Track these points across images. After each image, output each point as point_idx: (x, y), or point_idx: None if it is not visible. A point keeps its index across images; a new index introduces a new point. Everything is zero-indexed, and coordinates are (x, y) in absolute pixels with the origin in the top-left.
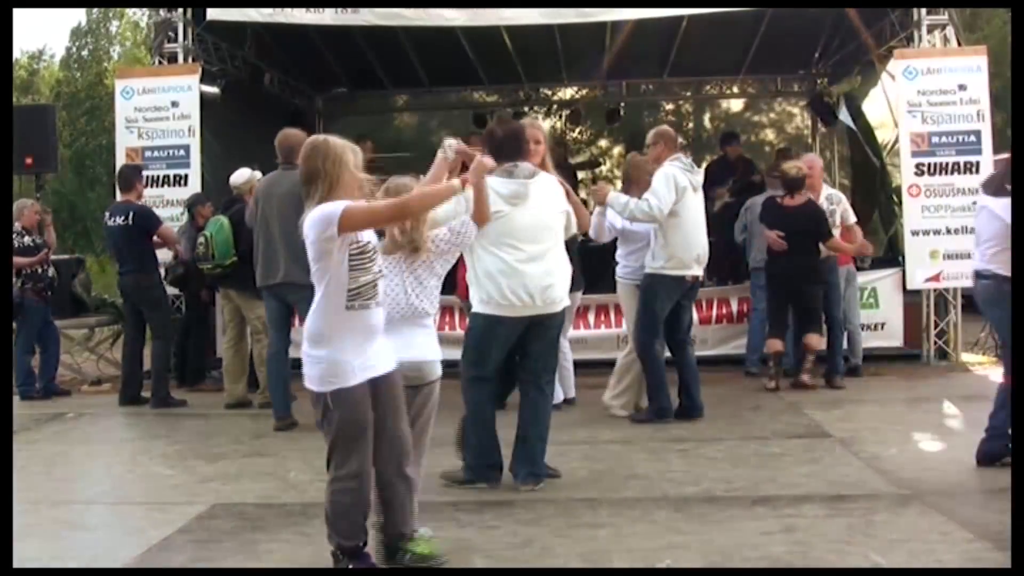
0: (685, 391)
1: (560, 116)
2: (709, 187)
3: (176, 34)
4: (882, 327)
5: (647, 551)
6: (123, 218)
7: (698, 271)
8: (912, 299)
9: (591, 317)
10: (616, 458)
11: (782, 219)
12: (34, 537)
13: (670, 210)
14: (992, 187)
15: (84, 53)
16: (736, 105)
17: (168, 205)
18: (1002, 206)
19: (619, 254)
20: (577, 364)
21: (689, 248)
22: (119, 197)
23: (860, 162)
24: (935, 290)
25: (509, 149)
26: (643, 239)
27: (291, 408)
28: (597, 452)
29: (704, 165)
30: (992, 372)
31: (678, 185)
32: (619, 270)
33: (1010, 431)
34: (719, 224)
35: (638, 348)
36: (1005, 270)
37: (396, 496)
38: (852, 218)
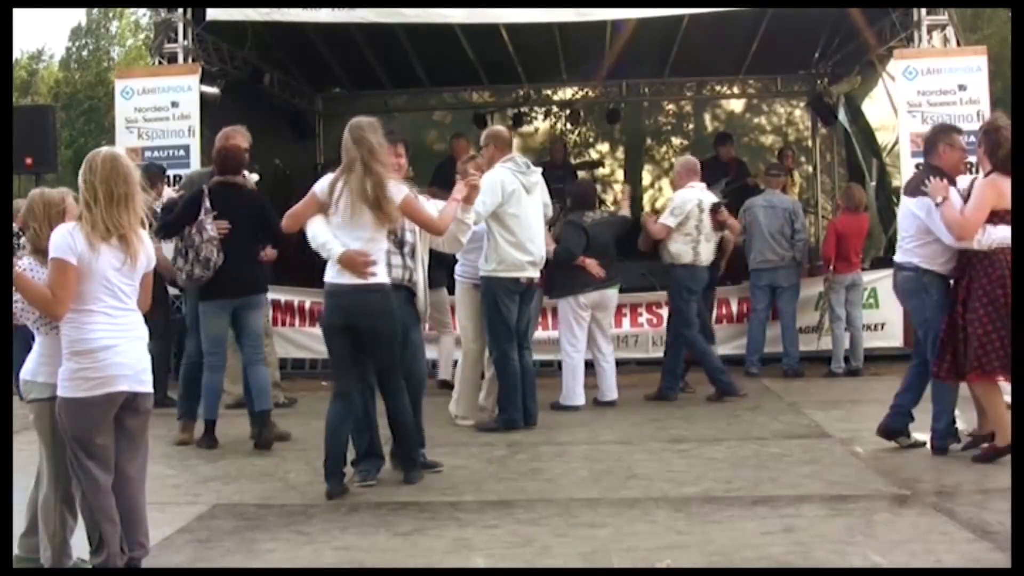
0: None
1: (560, 116)
2: None
3: (176, 34)
4: (882, 327)
5: (647, 551)
6: None
7: (532, 273)
8: None
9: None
10: (616, 458)
11: None
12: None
13: (498, 212)
14: (909, 189)
15: (84, 53)
16: (736, 105)
17: None
18: (916, 204)
19: (462, 252)
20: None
21: (520, 250)
22: None
23: (856, 164)
24: None
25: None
26: (480, 239)
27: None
28: (597, 452)
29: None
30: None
31: (504, 188)
32: (457, 268)
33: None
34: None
35: (494, 356)
36: (926, 263)
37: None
38: None
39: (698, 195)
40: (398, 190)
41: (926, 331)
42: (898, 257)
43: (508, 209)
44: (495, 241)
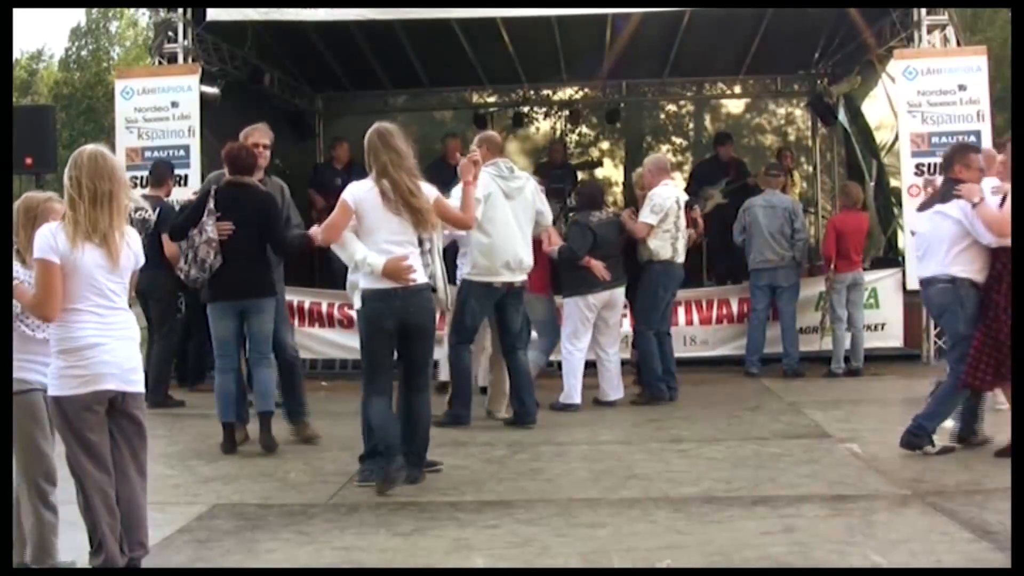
0: (516, 397)
1: (560, 116)
2: (699, 187)
3: (176, 34)
4: (882, 327)
5: (647, 551)
6: (148, 213)
7: (510, 277)
8: (912, 299)
9: None
10: (616, 458)
11: None
12: None
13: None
14: (939, 197)
15: (83, 53)
16: (736, 105)
17: None
18: (950, 208)
19: (459, 255)
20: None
21: (494, 255)
22: (148, 191)
23: (855, 164)
24: None
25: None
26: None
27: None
28: (597, 452)
29: (694, 165)
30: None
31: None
32: (457, 272)
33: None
34: (710, 225)
35: (449, 352)
36: (963, 272)
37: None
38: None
39: (674, 192)
40: (429, 190)
41: (955, 343)
42: (928, 271)
43: (484, 213)
44: (471, 245)
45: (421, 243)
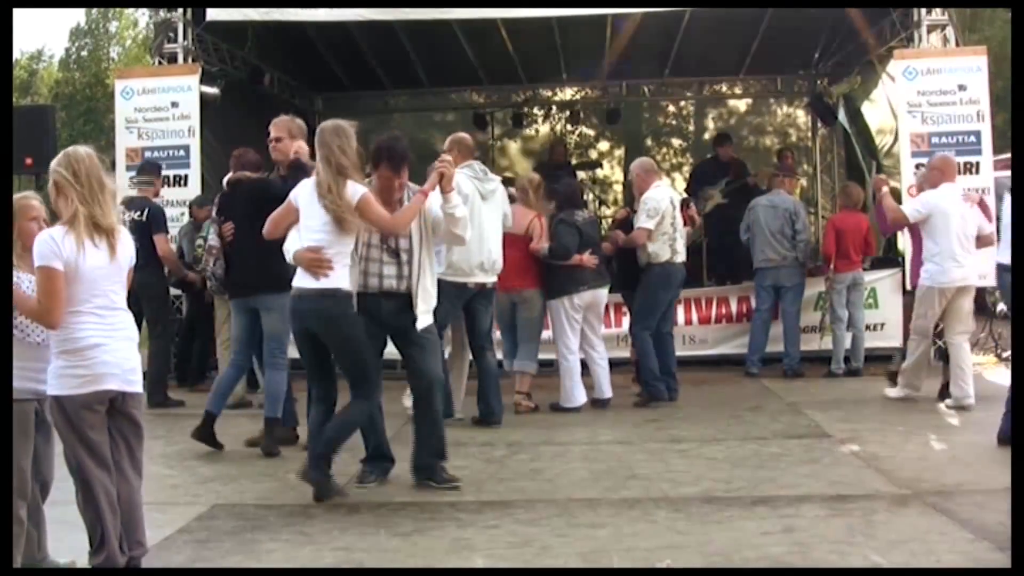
0: (482, 397)
1: (560, 117)
2: (699, 187)
3: (176, 34)
4: (882, 327)
5: (647, 551)
6: (139, 213)
7: (483, 278)
8: (912, 299)
9: None
10: (616, 458)
11: None
12: None
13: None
14: None
15: (83, 54)
16: (737, 105)
17: (168, 205)
18: None
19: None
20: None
21: (468, 255)
22: (136, 192)
23: (856, 164)
24: None
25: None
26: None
27: None
28: (597, 452)
29: (694, 165)
30: (991, 372)
31: (459, 192)
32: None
33: None
34: (710, 225)
35: None
36: None
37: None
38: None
39: (667, 192)
40: (355, 190)
41: None
42: (1009, 259)
43: None
44: (445, 245)
45: (397, 254)
